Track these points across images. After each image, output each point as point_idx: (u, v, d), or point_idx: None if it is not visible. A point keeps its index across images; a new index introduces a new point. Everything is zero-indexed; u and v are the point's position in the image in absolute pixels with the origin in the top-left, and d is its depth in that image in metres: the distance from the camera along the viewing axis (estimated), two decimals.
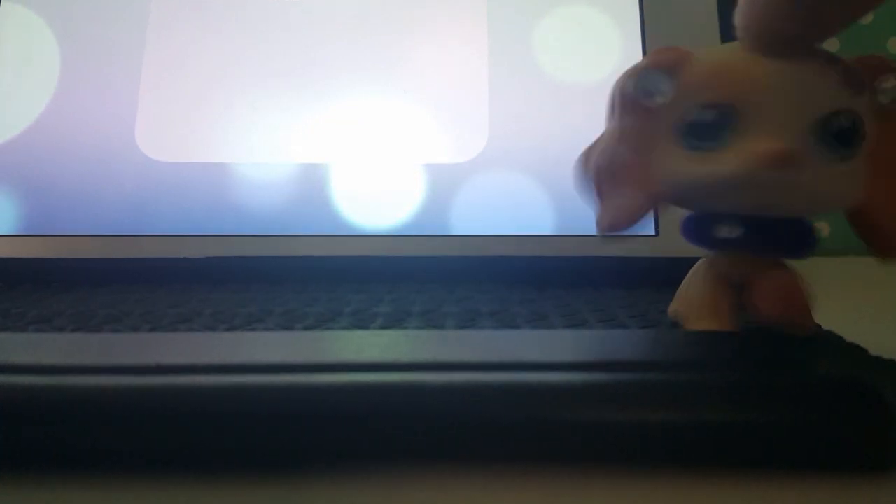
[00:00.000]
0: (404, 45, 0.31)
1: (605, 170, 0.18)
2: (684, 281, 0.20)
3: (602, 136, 0.19)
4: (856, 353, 0.17)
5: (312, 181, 0.29)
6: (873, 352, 0.16)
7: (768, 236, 0.17)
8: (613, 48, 0.30)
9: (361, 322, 0.21)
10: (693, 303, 0.19)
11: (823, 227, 0.44)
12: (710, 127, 0.16)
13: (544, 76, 0.30)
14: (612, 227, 0.18)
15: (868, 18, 0.43)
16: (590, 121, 0.29)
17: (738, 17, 0.16)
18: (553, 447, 0.14)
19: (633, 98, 0.18)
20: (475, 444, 0.14)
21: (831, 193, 0.16)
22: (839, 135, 0.16)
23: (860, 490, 0.14)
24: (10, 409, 0.14)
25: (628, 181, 0.18)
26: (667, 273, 0.21)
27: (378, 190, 0.29)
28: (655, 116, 0.17)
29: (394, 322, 0.21)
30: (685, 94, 0.17)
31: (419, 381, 0.14)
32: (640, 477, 0.14)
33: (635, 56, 0.30)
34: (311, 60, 0.30)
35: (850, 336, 0.18)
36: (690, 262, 0.20)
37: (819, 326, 0.18)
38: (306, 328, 0.21)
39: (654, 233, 0.27)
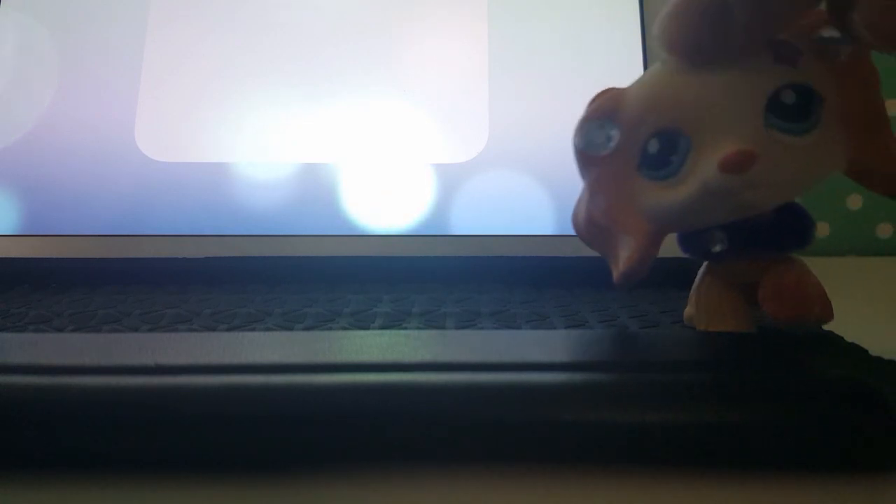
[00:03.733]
0: (405, 45, 0.30)
1: (592, 225, 0.18)
2: (694, 285, 0.19)
3: (581, 193, 0.19)
4: (856, 353, 0.17)
5: (312, 181, 0.29)
6: (873, 352, 0.16)
7: (758, 237, 0.17)
8: (613, 48, 0.30)
9: (361, 322, 0.21)
10: (703, 307, 0.19)
11: (823, 228, 0.44)
12: (662, 155, 0.16)
13: (544, 76, 0.30)
14: (625, 277, 0.17)
15: None
16: None
17: (659, 35, 0.16)
18: (553, 447, 0.14)
19: (584, 153, 0.18)
20: (475, 444, 0.14)
21: (809, 167, 0.16)
22: (792, 111, 0.16)
23: (860, 490, 0.14)
24: (10, 409, 0.14)
25: (618, 228, 0.18)
26: (667, 273, 0.20)
27: (378, 190, 0.29)
28: (616, 161, 0.17)
29: (394, 322, 0.21)
30: (630, 132, 0.17)
31: (419, 381, 0.14)
32: (640, 477, 0.14)
33: (635, 56, 0.30)
34: (311, 61, 0.30)
35: (850, 336, 0.17)
36: (690, 262, 0.20)
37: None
38: (306, 328, 0.21)
39: None
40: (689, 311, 0.20)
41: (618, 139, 0.17)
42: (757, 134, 0.15)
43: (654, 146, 0.17)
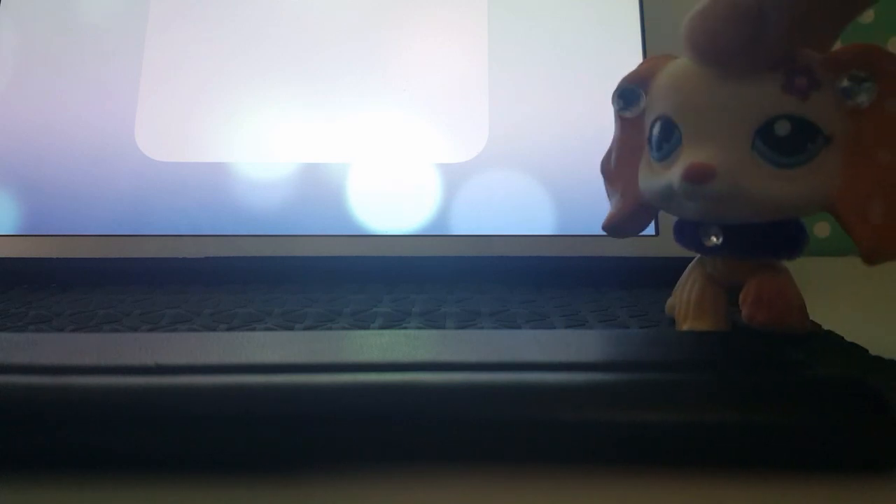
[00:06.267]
0: (404, 45, 0.30)
1: (603, 173, 0.20)
2: (681, 278, 0.20)
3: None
4: (856, 353, 0.17)
5: (311, 181, 0.29)
6: (873, 352, 0.16)
7: (752, 240, 0.17)
8: (613, 48, 0.30)
9: (361, 322, 0.21)
10: (684, 301, 0.19)
11: (824, 228, 0.44)
12: (661, 139, 0.17)
13: (544, 76, 0.30)
14: (604, 225, 0.19)
15: (869, 18, 0.43)
16: (589, 121, 0.29)
17: (686, 34, 0.16)
18: (553, 447, 0.14)
19: (616, 110, 0.19)
20: (475, 444, 0.14)
21: (783, 199, 0.15)
22: (782, 142, 0.15)
23: (860, 490, 0.14)
24: (10, 409, 0.14)
25: (618, 186, 0.19)
26: (667, 273, 0.21)
27: (378, 190, 0.29)
28: (637, 126, 0.18)
29: (394, 322, 0.21)
30: (649, 107, 0.18)
31: (419, 381, 0.14)
32: (641, 477, 0.14)
33: (635, 56, 0.30)
34: (311, 60, 0.30)
35: (850, 336, 0.18)
36: (690, 261, 0.20)
37: (818, 326, 0.18)
38: (306, 328, 0.21)
39: (654, 233, 0.27)
40: (671, 301, 0.20)
41: (640, 108, 0.18)
42: (737, 152, 0.15)
43: (657, 128, 0.17)
